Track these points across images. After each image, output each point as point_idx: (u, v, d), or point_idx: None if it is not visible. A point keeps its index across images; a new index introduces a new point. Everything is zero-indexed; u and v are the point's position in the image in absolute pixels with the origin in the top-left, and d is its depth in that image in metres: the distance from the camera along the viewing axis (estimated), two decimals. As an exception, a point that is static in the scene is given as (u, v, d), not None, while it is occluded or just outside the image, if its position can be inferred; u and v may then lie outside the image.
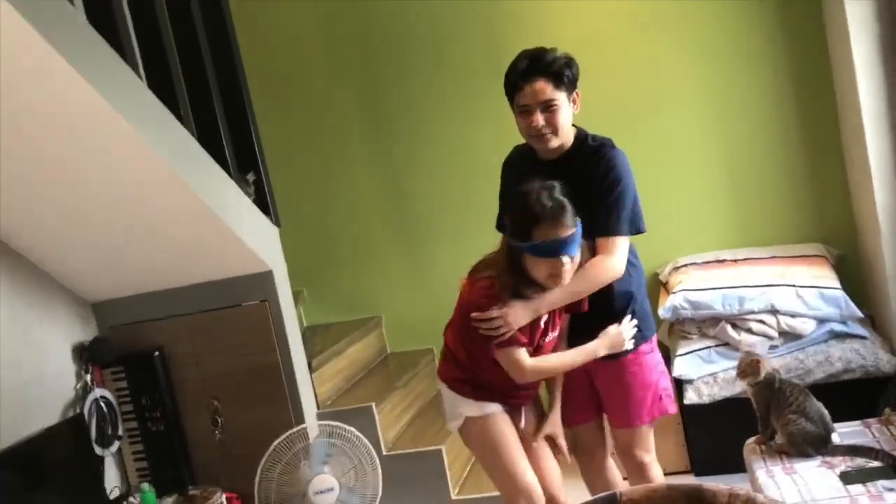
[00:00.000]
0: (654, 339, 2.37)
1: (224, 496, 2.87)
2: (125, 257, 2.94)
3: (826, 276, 3.15)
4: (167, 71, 2.69)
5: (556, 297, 2.14)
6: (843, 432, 2.44)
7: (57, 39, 2.04)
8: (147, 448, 3.09)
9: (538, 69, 2.18)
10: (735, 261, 3.40)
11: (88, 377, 2.98)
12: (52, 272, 2.97)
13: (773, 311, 3.08)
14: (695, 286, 3.22)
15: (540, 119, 2.18)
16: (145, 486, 2.78)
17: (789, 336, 3.10)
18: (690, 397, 3.11)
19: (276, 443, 2.74)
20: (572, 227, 2.06)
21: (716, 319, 3.18)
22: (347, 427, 2.78)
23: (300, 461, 2.73)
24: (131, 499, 2.96)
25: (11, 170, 2.45)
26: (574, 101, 2.24)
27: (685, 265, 3.47)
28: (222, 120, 2.98)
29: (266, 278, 2.99)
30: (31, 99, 2.21)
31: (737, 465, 2.55)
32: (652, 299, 2.98)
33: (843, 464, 2.27)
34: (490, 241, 2.27)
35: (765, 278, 3.16)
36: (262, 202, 3.15)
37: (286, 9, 3.92)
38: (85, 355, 3.01)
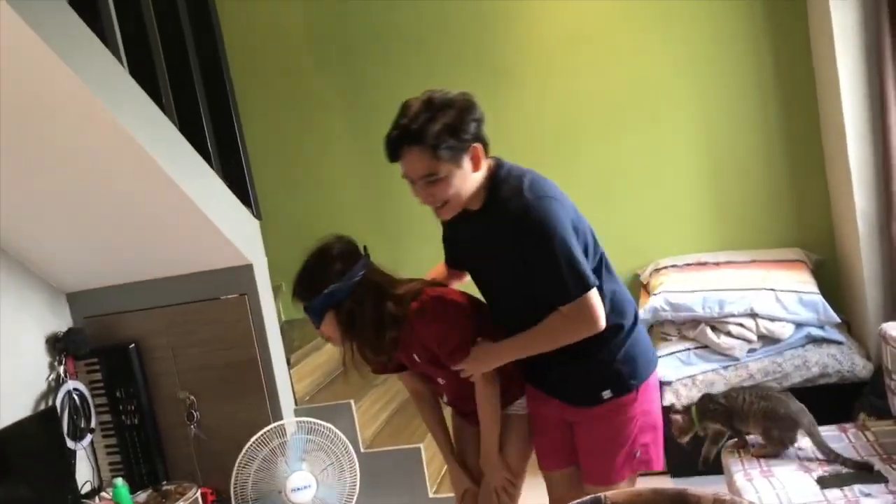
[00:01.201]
0: (647, 384, 1.96)
1: (199, 492, 2.83)
2: (102, 247, 2.89)
3: (805, 281, 3.17)
4: (149, 58, 2.64)
5: (510, 350, 1.92)
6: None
7: (35, 20, 1.98)
8: (120, 442, 3.04)
9: (411, 138, 1.74)
10: (716, 264, 3.42)
11: (61, 369, 2.93)
12: (25, 261, 2.91)
13: (753, 315, 3.10)
14: (675, 288, 3.23)
15: (422, 194, 1.82)
16: (118, 480, 2.74)
17: (768, 340, 3.12)
18: (669, 399, 3.12)
19: (253, 439, 2.71)
20: (303, 302, 1.93)
21: (695, 322, 3.20)
22: (325, 424, 2.76)
23: (277, 458, 2.71)
24: (103, 493, 2.92)
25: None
26: (474, 158, 1.78)
27: (666, 267, 3.48)
28: (205, 110, 2.93)
29: (246, 272, 2.96)
30: (2, 80, 2.15)
31: (714, 468, 2.57)
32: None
33: (820, 468, 2.29)
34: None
35: (745, 282, 3.18)
36: (244, 194, 3.11)
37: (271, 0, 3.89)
38: (59, 346, 2.95)
